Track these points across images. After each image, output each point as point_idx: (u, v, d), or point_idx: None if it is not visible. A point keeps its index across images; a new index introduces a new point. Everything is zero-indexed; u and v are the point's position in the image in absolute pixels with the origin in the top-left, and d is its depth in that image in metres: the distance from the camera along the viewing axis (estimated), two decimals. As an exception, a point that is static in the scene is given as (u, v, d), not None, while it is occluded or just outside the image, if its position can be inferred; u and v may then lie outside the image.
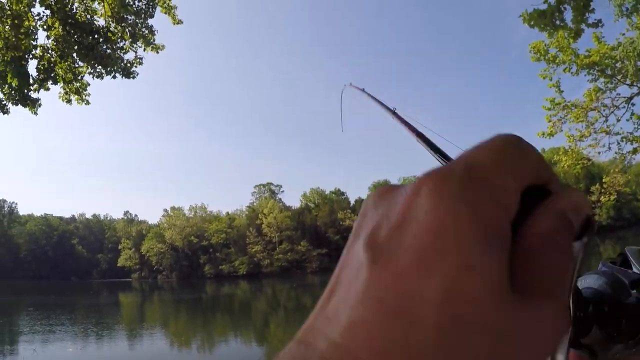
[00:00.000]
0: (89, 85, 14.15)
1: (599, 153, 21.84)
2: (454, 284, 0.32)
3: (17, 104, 13.04)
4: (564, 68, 20.07)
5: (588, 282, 0.83)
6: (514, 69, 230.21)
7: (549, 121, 21.28)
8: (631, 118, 20.87)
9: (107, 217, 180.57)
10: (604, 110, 21.04)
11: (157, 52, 14.70)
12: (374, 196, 0.41)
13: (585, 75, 20.45)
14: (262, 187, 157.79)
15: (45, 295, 69.50)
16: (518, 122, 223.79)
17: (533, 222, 0.38)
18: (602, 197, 30.57)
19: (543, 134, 21.21)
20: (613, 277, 0.81)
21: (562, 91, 20.73)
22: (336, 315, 0.34)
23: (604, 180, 26.72)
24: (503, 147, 0.38)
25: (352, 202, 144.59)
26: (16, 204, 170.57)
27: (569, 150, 21.89)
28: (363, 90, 3.33)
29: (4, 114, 13.07)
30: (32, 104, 13.18)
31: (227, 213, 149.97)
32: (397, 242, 0.34)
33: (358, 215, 0.41)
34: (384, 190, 0.40)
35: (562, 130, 21.41)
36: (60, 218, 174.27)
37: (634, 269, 0.69)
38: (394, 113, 2.34)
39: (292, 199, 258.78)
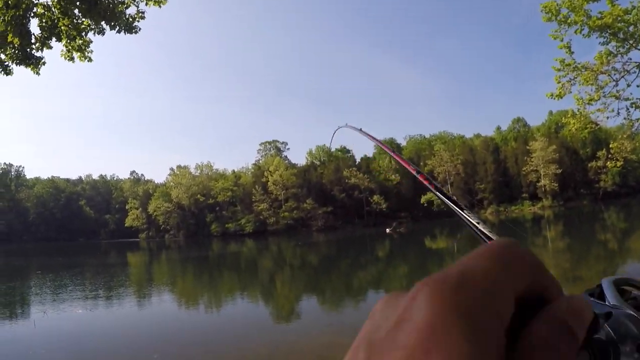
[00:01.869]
0: (91, 42, 14.17)
1: (607, 118, 21.36)
2: None
3: (20, 64, 13.10)
4: (576, 29, 19.71)
5: None
6: (522, 31, 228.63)
7: (558, 82, 20.92)
8: (642, 83, 20.55)
9: (113, 178, 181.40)
10: (614, 74, 20.59)
11: (160, 6, 14.64)
12: (382, 302, 0.42)
13: (596, 37, 20.04)
14: (267, 144, 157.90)
15: (54, 257, 70.04)
16: (526, 85, 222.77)
17: (530, 329, 0.40)
18: (608, 162, 30.39)
19: (552, 95, 21.06)
20: None
21: (573, 52, 20.36)
22: None
23: (611, 145, 26.39)
24: (498, 254, 0.41)
25: (358, 159, 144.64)
26: (23, 167, 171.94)
27: (577, 113, 21.70)
28: (360, 130, 3.35)
29: (7, 74, 13.11)
30: (36, 64, 13.22)
31: (233, 171, 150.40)
32: (391, 341, 0.36)
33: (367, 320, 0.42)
34: (391, 296, 0.42)
35: (570, 92, 21.11)
36: (67, 180, 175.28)
37: (607, 301, 0.70)
38: (394, 153, 2.53)
39: (298, 157, 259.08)
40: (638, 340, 0.68)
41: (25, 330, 19.34)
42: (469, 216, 1.54)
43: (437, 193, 1.83)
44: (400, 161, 2.33)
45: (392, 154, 2.48)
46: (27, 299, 28.57)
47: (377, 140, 2.79)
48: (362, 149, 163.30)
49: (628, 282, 0.70)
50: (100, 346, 15.82)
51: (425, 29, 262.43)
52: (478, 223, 1.51)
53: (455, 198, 1.74)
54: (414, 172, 2.09)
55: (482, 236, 1.47)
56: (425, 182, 1.95)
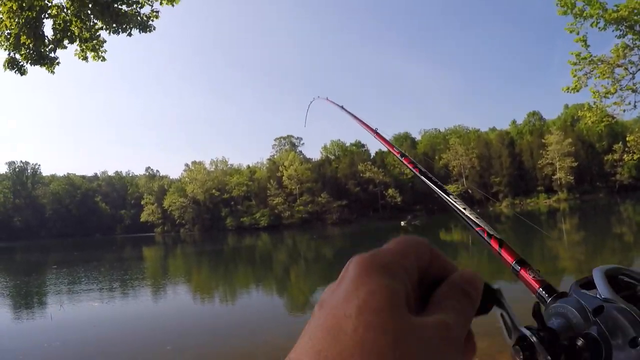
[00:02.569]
0: (105, 41, 14.22)
1: (624, 111, 21.22)
2: (364, 302, 0.48)
3: (34, 64, 13.21)
4: (591, 23, 19.42)
5: (560, 310, 0.85)
6: (538, 24, 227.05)
7: (574, 76, 20.73)
8: (660, 77, 20.26)
9: (129, 174, 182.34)
10: (631, 67, 20.42)
11: (173, 5, 14.64)
12: (330, 285, 0.56)
13: (612, 30, 19.81)
14: (282, 139, 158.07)
15: (70, 252, 70.44)
16: (542, 78, 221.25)
17: (435, 292, 0.57)
18: (624, 155, 30.01)
19: (568, 88, 20.89)
20: (578, 304, 0.82)
21: (589, 46, 20.12)
22: (297, 345, 0.48)
23: (627, 138, 26.25)
24: (403, 239, 0.59)
25: (373, 154, 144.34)
26: (39, 165, 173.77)
27: (594, 106, 21.57)
28: (342, 107, 3.26)
29: (21, 74, 13.23)
30: (50, 63, 13.34)
31: (248, 166, 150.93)
32: (333, 292, 0.52)
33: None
34: (333, 282, 0.56)
35: (587, 86, 20.91)
36: (83, 176, 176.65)
37: (598, 294, 0.69)
38: (375, 133, 2.50)
39: (313, 151, 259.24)
40: (631, 335, 0.69)
41: (42, 323, 19.48)
42: (455, 201, 1.55)
43: (422, 177, 1.84)
44: (384, 143, 2.32)
45: (374, 135, 2.44)
46: (44, 293, 28.75)
47: (358, 119, 2.73)
48: (377, 143, 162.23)
49: (621, 271, 0.70)
50: (114, 339, 15.93)
51: (441, 22, 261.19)
52: (465, 209, 1.51)
53: (440, 183, 1.75)
54: (398, 155, 2.10)
55: (469, 222, 1.45)
56: (410, 166, 1.96)
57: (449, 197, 1.59)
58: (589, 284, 0.70)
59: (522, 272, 1.15)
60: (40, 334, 17.06)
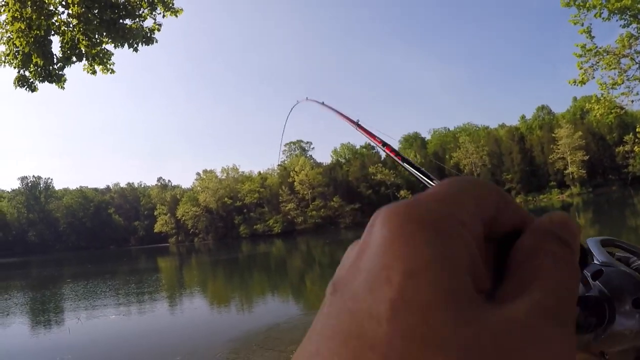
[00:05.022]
0: (112, 54, 14.40)
1: (632, 102, 21.16)
2: (400, 293, 0.29)
3: (43, 81, 13.40)
4: (595, 13, 19.43)
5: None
6: (542, 17, 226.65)
7: (580, 68, 20.57)
8: (666, 66, 20.14)
9: (141, 185, 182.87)
10: (637, 57, 20.33)
11: (177, 16, 14.79)
12: (348, 249, 0.39)
13: (617, 20, 19.71)
14: (292, 144, 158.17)
15: (85, 265, 70.77)
16: (550, 71, 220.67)
17: (518, 245, 0.37)
18: (635, 147, 29.73)
19: (574, 81, 20.77)
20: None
21: (594, 37, 20.03)
22: (300, 356, 0.32)
23: (637, 129, 25.97)
24: (455, 180, 0.38)
25: (383, 156, 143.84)
26: (51, 179, 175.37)
27: (602, 98, 21.31)
28: (322, 103, 3.25)
29: (32, 91, 13.46)
30: (58, 80, 13.52)
31: (259, 172, 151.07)
32: (353, 270, 0.33)
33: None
34: (354, 242, 0.38)
35: (593, 78, 20.74)
36: (96, 189, 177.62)
37: (595, 260, 0.68)
38: (357, 125, 2.50)
39: (323, 155, 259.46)
40: (634, 296, 0.66)
41: (60, 336, 19.60)
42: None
43: (406, 165, 1.86)
44: (366, 134, 2.33)
45: (356, 127, 2.45)
46: (61, 306, 28.87)
47: (339, 113, 2.72)
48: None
49: (614, 242, 0.69)
50: (127, 350, 16.02)
51: (443, 17, 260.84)
52: None
53: (424, 170, 1.77)
54: (380, 145, 2.11)
55: None
56: (392, 154, 1.99)
57: (432, 182, 1.61)
58: (584, 255, 0.68)
59: None
60: (55, 348, 17.15)
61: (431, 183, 1.59)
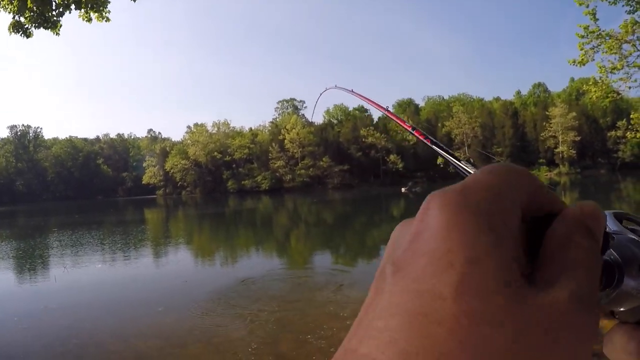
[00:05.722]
0: (109, 2, 14.29)
1: (630, 88, 20.88)
2: (464, 277, 0.33)
3: (39, 27, 13.32)
4: None
5: None
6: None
7: (581, 49, 20.32)
8: (667, 55, 20.16)
9: (131, 136, 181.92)
10: (639, 44, 20.15)
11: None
12: (398, 226, 0.42)
13: (623, 5, 19.70)
14: (285, 102, 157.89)
15: (72, 216, 70.70)
16: (549, 49, 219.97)
17: (551, 232, 0.40)
18: (628, 133, 29.64)
19: (574, 61, 20.66)
20: None
21: (598, 19, 19.79)
22: (367, 331, 0.34)
23: (631, 116, 25.80)
24: (494, 168, 0.41)
25: (376, 119, 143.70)
26: (41, 128, 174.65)
27: (599, 81, 21.16)
28: (352, 91, 3.23)
29: (27, 37, 13.41)
30: (54, 26, 13.45)
31: (250, 129, 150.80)
32: (413, 252, 0.36)
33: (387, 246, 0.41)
34: (404, 221, 0.42)
35: (593, 60, 20.48)
36: (85, 139, 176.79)
37: (607, 228, 0.70)
38: (387, 111, 2.49)
39: (315, 115, 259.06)
40: None
41: (46, 285, 19.69)
42: (466, 167, 1.62)
43: (434, 147, 1.93)
44: (395, 119, 2.39)
45: (386, 112, 2.49)
46: (47, 255, 28.94)
47: (369, 100, 2.74)
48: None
49: (626, 216, 0.69)
50: (111, 300, 16.07)
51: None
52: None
53: (452, 152, 1.82)
54: (410, 129, 2.17)
55: None
56: (421, 137, 2.04)
57: (460, 163, 1.68)
58: (606, 240, 0.70)
59: None
60: (41, 297, 17.22)
61: (460, 165, 1.66)
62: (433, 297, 0.33)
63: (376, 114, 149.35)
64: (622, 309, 0.55)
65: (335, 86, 3.70)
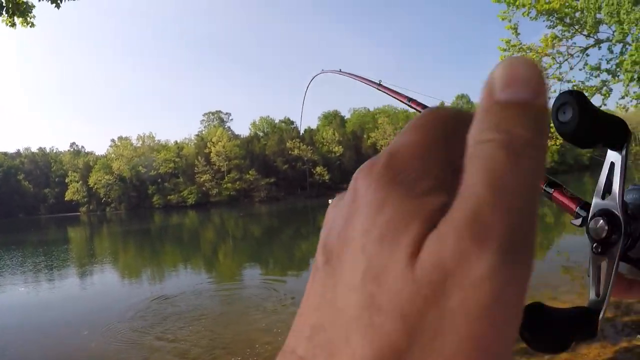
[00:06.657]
0: (34, 6, 13.96)
1: (549, 98, 21.73)
2: (371, 265, 0.30)
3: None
4: (523, 12, 20.33)
5: (634, 197, 0.79)
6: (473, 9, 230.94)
7: None
8: (584, 68, 21.24)
9: (53, 150, 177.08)
10: (558, 57, 21.24)
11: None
12: (330, 207, 0.39)
13: (543, 21, 20.75)
14: (211, 114, 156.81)
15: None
16: (473, 62, 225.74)
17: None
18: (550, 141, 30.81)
19: (495, 73, 21.49)
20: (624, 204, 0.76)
21: (519, 34, 20.85)
22: (300, 328, 0.33)
23: (551, 124, 26.97)
24: (423, 120, 0.36)
25: (302, 131, 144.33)
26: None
27: None
28: (340, 71, 3.25)
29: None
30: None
31: (176, 142, 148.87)
32: (345, 237, 0.33)
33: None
34: (338, 196, 0.39)
35: None
36: (5, 153, 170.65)
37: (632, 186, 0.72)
38: (379, 85, 2.56)
39: (242, 128, 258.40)
40: None
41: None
42: None
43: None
44: (392, 94, 2.40)
45: (379, 87, 2.53)
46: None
47: (360, 77, 2.73)
48: (306, 120, 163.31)
49: None
50: (35, 323, 15.77)
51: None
52: None
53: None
54: (405, 101, 2.19)
55: None
56: (419, 108, 2.05)
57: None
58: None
59: (556, 194, 0.97)
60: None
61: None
62: (346, 288, 0.31)
63: (302, 126, 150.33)
64: None
65: (322, 70, 3.79)
